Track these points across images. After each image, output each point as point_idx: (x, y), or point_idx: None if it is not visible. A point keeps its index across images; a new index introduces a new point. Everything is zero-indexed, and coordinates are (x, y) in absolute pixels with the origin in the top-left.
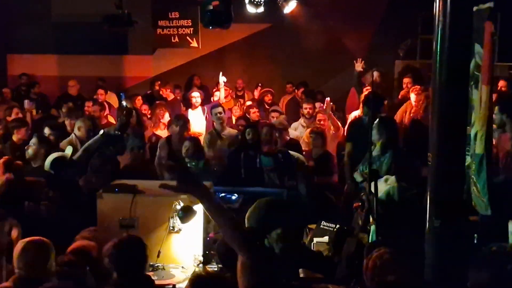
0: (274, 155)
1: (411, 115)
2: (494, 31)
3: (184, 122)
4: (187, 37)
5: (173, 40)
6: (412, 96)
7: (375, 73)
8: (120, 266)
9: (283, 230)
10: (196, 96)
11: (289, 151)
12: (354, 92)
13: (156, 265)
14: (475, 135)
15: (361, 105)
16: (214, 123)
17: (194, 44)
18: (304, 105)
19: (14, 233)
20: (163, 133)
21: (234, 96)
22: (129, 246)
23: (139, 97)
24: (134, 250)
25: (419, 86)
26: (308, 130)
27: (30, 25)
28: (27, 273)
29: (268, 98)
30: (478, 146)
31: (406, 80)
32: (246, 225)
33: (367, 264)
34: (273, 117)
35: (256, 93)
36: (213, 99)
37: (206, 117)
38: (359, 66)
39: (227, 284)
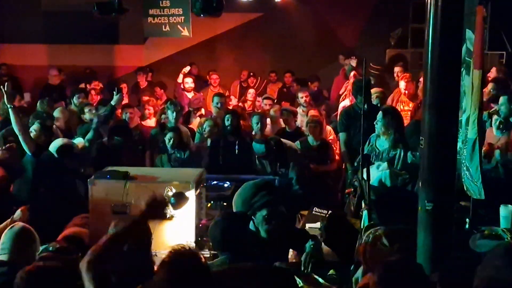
0: (266, 142)
1: (399, 102)
2: (486, 15)
3: (181, 107)
4: (178, 26)
5: (164, 29)
6: (402, 84)
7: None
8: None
9: (268, 212)
10: (189, 81)
11: (281, 139)
12: (340, 79)
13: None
14: (467, 120)
15: (349, 94)
16: (213, 111)
17: (185, 33)
18: (300, 94)
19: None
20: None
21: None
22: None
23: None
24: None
25: (408, 74)
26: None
27: (20, 15)
28: (10, 259)
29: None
30: (470, 130)
31: (396, 69)
32: (234, 209)
33: (364, 247)
34: (266, 104)
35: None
36: (183, 85)
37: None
38: (354, 62)
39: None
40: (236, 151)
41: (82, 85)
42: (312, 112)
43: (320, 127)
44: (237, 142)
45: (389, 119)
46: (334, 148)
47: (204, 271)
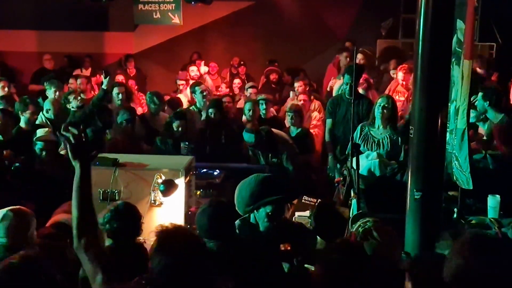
0: (256, 132)
1: (395, 92)
2: (477, 5)
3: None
4: (169, 13)
5: (154, 16)
6: (400, 75)
7: (359, 55)
8: (116, 231)
9: (273, 209)
10: (194, 70)
11: (272, 129)
12: (333, 68)
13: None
14: (456, 110)
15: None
16: (196, 101)
17: (176, 20)
18: (296, 84)
19: None
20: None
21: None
22: (127, 211)
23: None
24: (131, 215)
25: (406, 65)
26: (287, 107)
27: (10, 1)
28: (8, 242)
29: (273, 76)
30: (459, 120)
31: (393, 62)
32: (236, 196)
33: (350, 235)
34: (250, 93)
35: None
36: (189, 75)
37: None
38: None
39: (193, 236)
40: (223, 140)
41: (78, 71)
42: (301, 96)
43: (300, 116)
44: (223, 131)
45: (391, 108)
46: (316, 137)
47: (196, 241)
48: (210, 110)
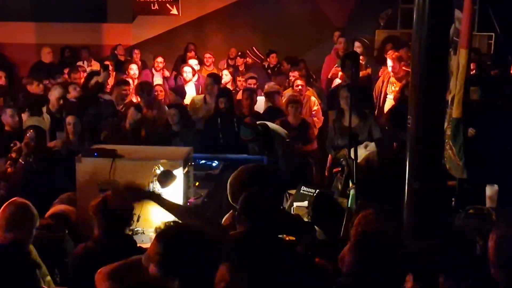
0: (253, 127)
1: (389, 84)
2: None
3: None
4: (167, 4)
5: (152, 7)
6: (389, 62)
7: (356, 43)
8: (106, 221)
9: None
10: (187, 71)
11: (269, 126)
12: (332, 59)
13: (135, 229)
14: (452, 99)
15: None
16: (206, 91)
17: (174, 11)
18: (290, 74)
19: None
20: None
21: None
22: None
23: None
24: (122, 206)
25: (397, 53)
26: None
27: None
28: (9, 234)
29: (273, 60)
30: (455, 110)
31: (388, 48)
32: (228, 190)
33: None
34: (250, 84)
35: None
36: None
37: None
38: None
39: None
40: (236, 128)
41: (80, 63)
42: (298, 82)
43: (300, 107)
44: (235, 120)
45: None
46: (314, 128)
47: (201, 237)
48: (221, 100)
